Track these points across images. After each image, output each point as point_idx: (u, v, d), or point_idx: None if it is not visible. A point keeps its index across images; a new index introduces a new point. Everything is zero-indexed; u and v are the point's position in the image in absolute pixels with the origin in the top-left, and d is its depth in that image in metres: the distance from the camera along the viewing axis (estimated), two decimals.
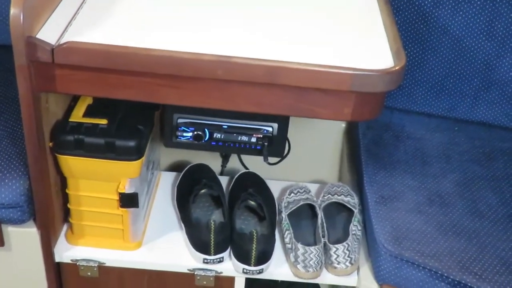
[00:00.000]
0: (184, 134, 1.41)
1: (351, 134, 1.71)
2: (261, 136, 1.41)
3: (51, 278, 1.41)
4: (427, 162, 1.52)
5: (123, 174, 1.31)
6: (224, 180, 1.63)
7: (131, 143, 1.28)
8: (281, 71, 1.11)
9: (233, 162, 1.73)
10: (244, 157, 1.71)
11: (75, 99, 1.36)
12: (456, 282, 1.24)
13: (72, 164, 1.30)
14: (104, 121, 1.30)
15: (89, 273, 1.42)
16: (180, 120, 1.40)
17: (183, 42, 1.14)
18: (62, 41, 1.12)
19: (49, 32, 1.14)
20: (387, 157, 1.53)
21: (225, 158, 1.73)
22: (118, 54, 1.10)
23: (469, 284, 1.23)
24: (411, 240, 1.31)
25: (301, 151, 1.69)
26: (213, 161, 1.69)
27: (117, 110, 1.34)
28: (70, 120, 1.30)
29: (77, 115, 1.32)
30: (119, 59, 1.11)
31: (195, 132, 1.41)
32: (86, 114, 1.32)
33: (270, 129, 1.41)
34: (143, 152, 1.31)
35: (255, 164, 1.65)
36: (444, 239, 1.32)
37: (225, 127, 1.41)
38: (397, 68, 1.13)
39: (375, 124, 1.63)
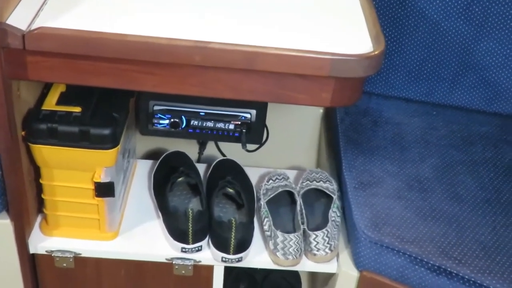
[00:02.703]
0: (161, 121, 1.39)
1: (329, 120, 1.70)
2: (239, 123, 1.39)
3: (26, 270, 1.38)
4: (405, 147, 1.52)
5: (98, 163, 1.28)
6: (201, 168, 1.61)
7: (106, 131, 1.25)
8: (259, 56, 1.09)
9: (211, 149, 1.71)
10: (222, 144, 1.69)
11: (48, 87, 1.33)
12: (436, 267, 1.24)
13: (45, 153, 1.27)
14: (78, 109, 1.27)
15: (64, 264, 1.39)
16: (156, 107, 1.37)
17: (159, 27, 1.12)
18: (33, 26, 1.09)
19: (20, 18, 1.11)
20: (365, 143, 1.52)
21: (202, 145, 1.71)
22: (91, 40, 1.07)
23: (449, 269, 1.23)
24: (390, 226, 1.31)
25: (279, 138, 1.68)
26: (190, 149, 1.66)
27: (91, 98, 1.31)
28: (43, 108, 1.27)
29: (50, 103, 1.29)
30: (92, 45, 1.08)
31: (172, 120, 1.38)
32: (59, 102, 1.29)
33: (248, 115, 1.39)
34: (119, 140, 1.28)
35: (233, 151, 1.64)
36: (424, 224, 1.32)
37: (202, 114, 1.38)
38: (376, 52, 1.12)
39: (353, 109, 1.62)
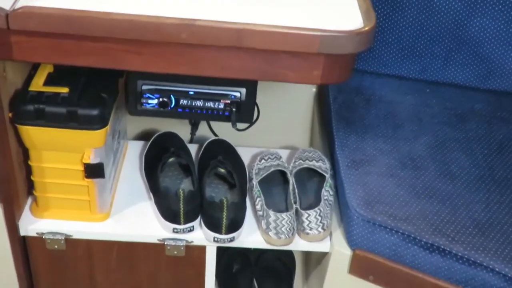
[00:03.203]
0: (149, 101, 1.37)
1: (322, 99, 1.69)
2: (229, 101, 1.38)
3: (17, 252, 1.37)
4: (398, 125, 1.50)
5: (87, 144, 1.27)
6: (193, 148, 1.60)
7: (94, 112, 1.24)
8: (247, 33, 1.07)
9: (203, 129, 1.70)
10: (214, 125, 1.68)
11: (35, 67, 1.31)
12: (429, 244, 1.23)
13: (33, 134, 1.25)
14: (65, 90, 1.26)
15: (56, 246, 1.38)
16: (144, 87, 1.36)
17: (144, 5, 1.09)
18: (17, 5, 1.07)
19: None
20: (358, 121, 1.51)
21: (194, 126, 1.70)
22: (76, 18, 1.06)
23: (442, 247, 1.23)
24: (383, 204, 1.30)
25: (271, 117, 1.67)
26: (182, 129, 1.65)
27: (79, 78, 1.29)
28: (30, 89, 1.26)
29: (37, 84, 1.27)
30: (78, 23, 1.06)
31: (161, 99, 1.37)
32: (46, 83, 1.28)
33: (238, 94, 1.38)
34: (107, 121, 1.27)
35: (225, 131, 1.62)
36: (417, 202, 1.31)
37: (192, 93, 1.37)
38: (366, 28, 1.10)
39: (346, 88, 1.60)
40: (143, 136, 1.73)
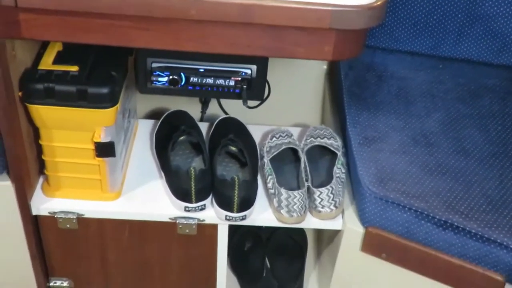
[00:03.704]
0: (159, 79, 1.36)
1: (333, 76, 1.67)
2: (240, 79, 1.36)
3: (29, 231, 1.38)
4: (411, 102, 1.49)
5: (98, 122, 1.27)
6: (204, 127, 1.59)
7: (104, 90, 1.23)
8: (257, 9, 1.06)
9: (213, 108, 1.69)
10: (224, 103, 1.67)
11: (44, 46, 1.31)
12: (442, 221, 1.22)
13: (43, 113, 1.25)
14: (75, 68, 1.25)
15: (68, 225, 1.39)
16: (154, 65, 1.34)
17: None
18: None
19: None
20: (370, 98, 1.49)
21: (205, 104, 1.69)
22: None
23: (455, 224, 1.22)
24: (396, 181, 1.29)
25: (282, 95, 1.65)
26: (192, 108, 1.64)
27: (88, 57, 1.29)
28: (39, 68, 1.25)
29: (47, 63, 1.26)
30: (85, 0, 1.05)
31: (171, 77, 1.36)
32: (56, 61, 1.27)
33: (248, 71, 1.36)
34: (117, 99, 1.26)
35: (236, 109, 1.61)
36: (430, 179, 1.30)
37: (202, 70, 1.35)
38: (379, 3, 1.08)
39: (357, 64, 1.58)
40: (153, 115, 1.72)
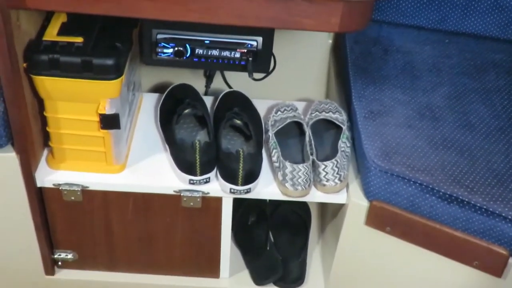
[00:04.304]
0: (165, 50, 1.35)
1: (339, 50, 1.66)
2: (245, 51, 1.35)
3: (34, 203, 1.38)
4: (417, 76, 1.48)
5: (102, 94, 1.26)
6: (208, 101, 1.58)
7: (109, 61, 1.22)
8: None
9: (217, 82, 1.68)
10: (229, 77, 1.66)
11: (48, 17, 1.30)
12: (447, 195, 1.22)
13: (48, 85, 1.24)
14: (79, 39, 1.24)
15: (72, 198, 1.39)
16: (159, 36, 1.33)
17: None
18: None
19: None
20: (375, 72, 1.48)
21: (209, 78, 1.68)
22: None
23: (460, 197, 1.22)
24: (401, 155, 1.28)
25: (287, 69, 1.64)
26: (197, 82, 1.63)
27: (93, 28, 1.28)
28: (44, 39, 1.24)
29: (51, 34, 1.25)
30: None
31: (176, 48, 1.35)
32: (60, 32, 1.26)
33: (254, 43, 1.35)
34: (122, 71, 1.25)
35: (240, 84, 1.61)
36: (435, 153, 1.29)
37: (207, 42, 1.34)
38: None
39: (363, 38, 1.57)
40: (158, 89, 1.72)
